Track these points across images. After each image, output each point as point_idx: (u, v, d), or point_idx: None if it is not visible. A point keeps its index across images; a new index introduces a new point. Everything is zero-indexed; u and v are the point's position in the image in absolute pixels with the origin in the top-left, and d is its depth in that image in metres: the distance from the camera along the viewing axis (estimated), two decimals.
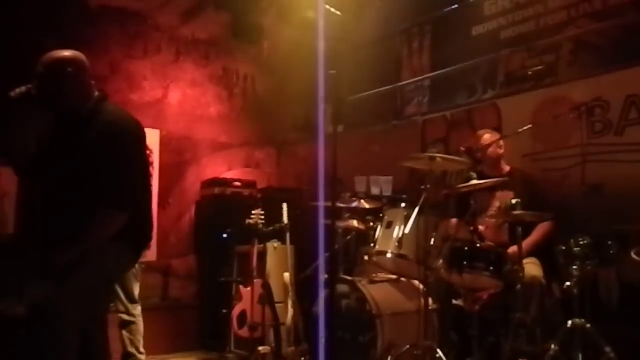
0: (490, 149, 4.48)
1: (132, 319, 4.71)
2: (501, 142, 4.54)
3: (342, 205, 4.73)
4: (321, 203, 3.37)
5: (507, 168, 4.58)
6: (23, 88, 3.02)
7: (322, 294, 4.26)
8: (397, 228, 4.27)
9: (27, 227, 3.10)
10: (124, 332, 4.70)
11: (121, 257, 3.04)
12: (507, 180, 4.29)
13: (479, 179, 4.10)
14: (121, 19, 6.18)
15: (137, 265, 4.77)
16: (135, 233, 3.03)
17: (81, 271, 2.81)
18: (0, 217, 5.44)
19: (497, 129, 5.00)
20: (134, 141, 3.04)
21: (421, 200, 4.10)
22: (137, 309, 4.77)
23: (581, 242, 3.72)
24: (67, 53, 3.04)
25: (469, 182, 4.07)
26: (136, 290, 4.78)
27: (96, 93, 3.10)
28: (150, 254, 4.89)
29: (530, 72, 5.19)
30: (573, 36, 4.94)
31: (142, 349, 4.73)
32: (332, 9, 6.24)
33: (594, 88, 4.60)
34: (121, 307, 4.70)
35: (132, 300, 4.74)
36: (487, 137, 4.56)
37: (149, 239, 3.25)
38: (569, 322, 3.62)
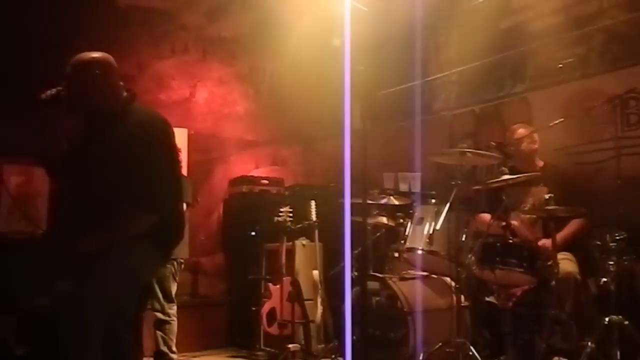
0: (524, 144, 4.41)
1: (167, 318, 4.74)
2: (535, 137, 4.46)
3: (371, 202, 4.69)
4: (347, 200, 3.33)
5: (540, 163, 4.50)
6: (53, 90, 3.05)
7: (349, 291, 4.24)
8: (427, 224, 4.23)
9: (59, 227, 3.12)
10: (158, 331, 4.73)
11: (149, 255, 3.04)
12: (539, 175, 4.22)
13: (511, 174, 4.04)
14: (149, 19, 6.22)
15: (175, 264, 4.80)
16: (165, 232, 3.04)
17: (105, 267, 2.82)
18: (33, 216, 5.52)
19: (527, 123, 4.92)
20: (164, 140, 3.05)
21: (452, 196, 4.05)
22: (173, 309, 4.79)
23: (617, 237, 3.65)
24: (95, 55, 3.06)
25: (501, 178, 4.01)
26: (173, 290, 4.81)
27: (125, 94, 3.12)
28: (183, 252, 4.90)
29: (560, 65, 5.10)
30: (605, 27, 4.84)
31: (174, 348, 4.76)
32: (358, 5, 6.22)
33: (628, 80, 4.50)
34: (157, 306, 4.72)
35: (169, 299, 4.76)
36: (521, 131, 4.49)
37: (180, 238, 3.26)
38: (606, 319, 3.54)
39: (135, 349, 3.53)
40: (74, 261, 2.84)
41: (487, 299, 4.20)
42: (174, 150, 3.19)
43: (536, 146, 4.47)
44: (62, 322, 2.76)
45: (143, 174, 2.88)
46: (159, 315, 4.76)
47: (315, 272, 5.26)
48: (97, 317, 2.78)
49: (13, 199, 5.44)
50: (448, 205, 4.06)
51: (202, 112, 6.60)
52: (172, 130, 3.14)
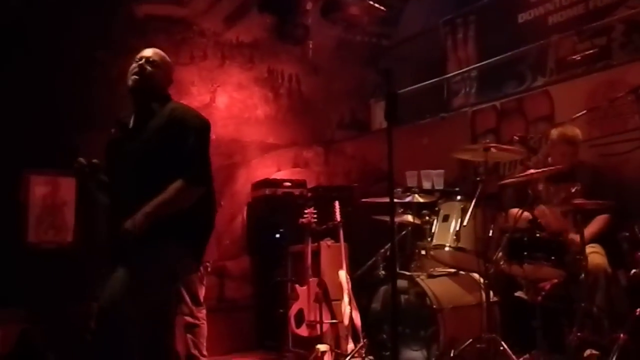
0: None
1: (196, 322, 4.76)
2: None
3: (396, 200, 4.69)
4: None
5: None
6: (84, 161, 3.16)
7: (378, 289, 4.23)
8: (454, 221, 4.23)
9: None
10: (188, 335, 4.75)
11: (183, 256, 3.08)
12: (566, 169, 4.18)
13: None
14: (167, 27, 6.28)
15: (202, 268, 4.83)
16: (194, 232, 3.09)
17: (144, 270, 2.86)
18: (60, 225, 5.59)
19: (549, 116, 4.91)
20: (205, 126, 3.16)
21: (477, 192, 4.05)
22: (202, 312, 4.82)
23: None
24: None
25: (527, 172, 4.00)
26: (201, 293, 4.84)
27: None
28: (211, 255, 4.94)
29: (579, 58, 5.08)
30: (625, 17, 4.82)
31: (205, 352, 4.79)
32: (376, 5, 6.26)
33: None
34: (186, 310, 4.75)
35: (197, 303, 4.79)
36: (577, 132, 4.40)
37: (210, 231, 3.27)
38: (638, 310, 3.52)
39: (173, 350, 3.57)
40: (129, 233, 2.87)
41: (516, 294, 4.18)
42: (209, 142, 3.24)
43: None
44: (102, 324, 2.79)
45: (188, 148, 2.99)
46: (189, 319, 4.78)
47: (342, 272, 5.27)
48: (136, 319, 2.81)
49: (40, 209, 5.53)
50: (474, 201, 4.05)
51: (223, 117, 6.63)
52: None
